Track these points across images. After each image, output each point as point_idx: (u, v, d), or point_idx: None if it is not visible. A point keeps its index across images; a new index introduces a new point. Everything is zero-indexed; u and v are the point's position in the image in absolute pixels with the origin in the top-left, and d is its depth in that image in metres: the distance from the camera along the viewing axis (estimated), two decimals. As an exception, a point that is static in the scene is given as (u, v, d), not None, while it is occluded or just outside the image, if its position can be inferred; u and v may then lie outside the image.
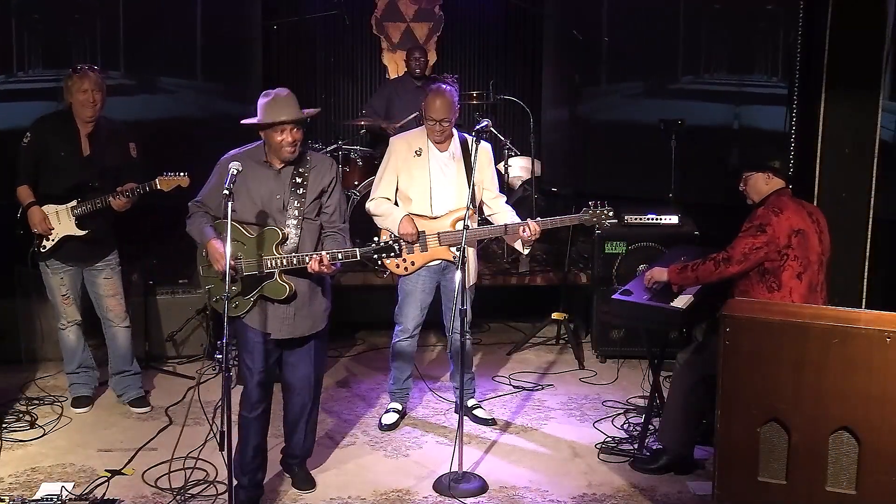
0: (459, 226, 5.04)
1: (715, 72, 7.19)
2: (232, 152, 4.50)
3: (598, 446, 5.21)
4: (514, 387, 6.09)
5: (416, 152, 5.24)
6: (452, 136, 5.29)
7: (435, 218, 5.22)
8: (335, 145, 7.22)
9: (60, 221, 5.34)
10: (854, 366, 3.85)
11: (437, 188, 5.23)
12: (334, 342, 6.69)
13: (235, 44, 7.82)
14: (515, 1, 8.03)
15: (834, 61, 5.76)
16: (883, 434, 3.83)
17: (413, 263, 5.25)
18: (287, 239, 4.39)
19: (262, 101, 4.39)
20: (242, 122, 4.49)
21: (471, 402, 5.57)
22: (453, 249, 5.12)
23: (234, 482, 4.30)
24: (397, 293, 5.42)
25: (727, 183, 5.06)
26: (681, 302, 4.81)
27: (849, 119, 5.79)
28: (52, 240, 5.35)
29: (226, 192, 4.09)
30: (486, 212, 5.38)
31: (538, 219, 5.19)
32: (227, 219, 4.11)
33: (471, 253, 5.24)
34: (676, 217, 6.46)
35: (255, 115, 4.42)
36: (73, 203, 5.33)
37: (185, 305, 6.42)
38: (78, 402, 5.62)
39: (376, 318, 6.98)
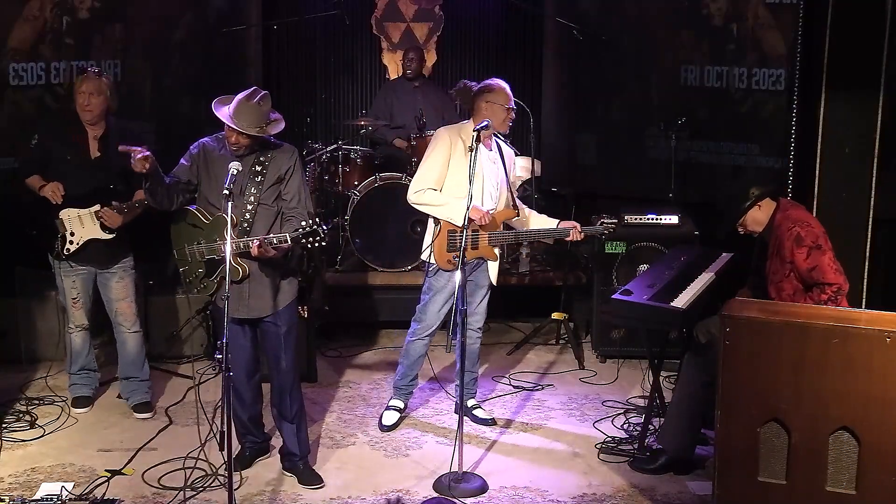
0: (502, 225, 5.19)
1: (714, 71, 7.18)
2: (204, 138, 4.73)
3: (598, 446, 5.21)
4: (514, 387, 6.09)
5: (469, 147, 5.09)
6: (492, 136, 5.28)
7: (466, 229, 5.08)
8: (335, 145, 7.23)
9: (84, 225, 5.30)
10: (854, 366, 3.85)
11: (487, 187, 5.19)
12: (334, 342, 6.70)
13: (235, 43, 7.81)
14: (515, 1, 8.03)
15: (834, 61, 5.76)
16: (883, 434, 3.83)
17: (458, 258, 5.15)
18: (240, 223, 4.57)
19: (240, 94, 4.56)
20: (215, 100, 4.63)
21: (471, 402, 5.57)
22: (496, 250, 5.22)
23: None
24: (422, 292, 5.34)
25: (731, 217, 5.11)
26: (681, 302, 4.81)
27: (849, 119, 5.78)
28: (77, 243, 5.31)
29: (226, 192, 4.25)
30: None
31: (584, 228, 5.26)
32: (228, 214, 4.28)
33: (500, 254, 5.31)
34: (676, 217, 6.46)
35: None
36: (97, 207, 5.29)
37: (185, 305, 6.42)
38: (78, 403, 5.60)
39: (377, 318, 6.98)
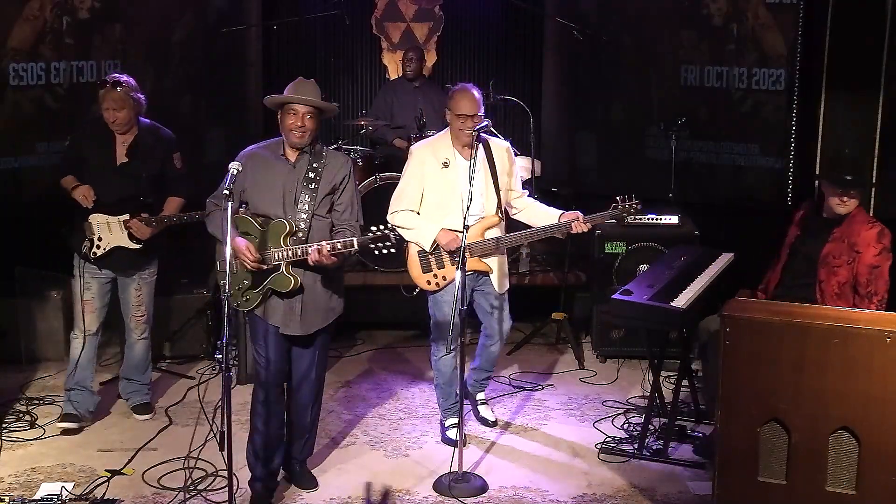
0: (489, 234, 5.04)
1: (714, 71, 7.18)
2: (254, 146, 4.59)
3: (598, 446, 5.21)
4: (514, 387, 6.08)
5: (443, 164, 5.03)
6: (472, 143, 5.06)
7: (466, 229, 4.97)
8: (335, 145, 7.22)
9: (112, 232, 5.22)
10: (854, 366, 3.85)
11: (467, 200, 4.97)
12: (334, 342, 6.67)
13: (235, 43, 7.82)
14: (515, 1, 8.03)
15: (834, 61, 5.76)
16: (883, 434, 3.84)
17: (444, 279, 5.08)
18: (296, 232, 4.42)
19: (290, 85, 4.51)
20: (266, 98, 4.54)
21: (480, 396, 5.55)
22: (486, 260, 5.08)
23: (249, 475, 4.51)
24: (429, 312, 5.22)
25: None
26: (681, 302, 4.81)
27: (849, 119, 5.79)
28: (104, 248, 5.22)
29: (225, 191, 4.13)
30: (513, 213, 5.25)
31: (589, 216, 5.04)
32: (227, 218, 4.12)
33: (502, 259, 5.17)
34: (676, 217, 6.46)
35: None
36: (126, 217, 5.22)
37: (185, 305, 6.42)
38: (65, 419, 5.35)
39: (377, 318, 6.98)
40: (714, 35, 7.11)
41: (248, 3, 8.03)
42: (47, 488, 4.68)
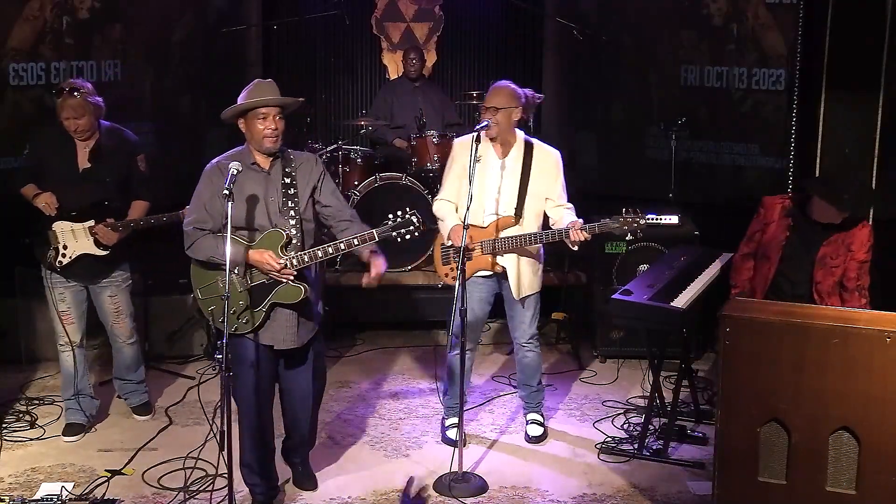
0: (504, 234, 4.97)
1: (714, 71, 7.18)
2: (217, 158, 4.37)
3: (598, 446, 5.21)
4: (513, 387, 6.08)
5: (476, 159, 4.94)
6: (514, 140, 5.05)
7: (485, 227, 5.00)
8: (335, 145, 7.23)
9: (77, 239, 5.10)
10: (854, 366, 3.85)
11: (489, 198, 4.99)
12: (334, 342, 6.70)
13: (235, 43, 7.82)
14: (515, 1, 8.03)
15: (834, 61, 5.76)
16: (883, 434, 3.83)
17: (454, 270, 5.03)
18: (291, 240, 4.29)
19: (243, 91, 4.31)
20: (224, 112, 4.32)
21: (529, 416, 5.39)
22: (501, 261, 5.00)
23: (247, 486, 4.48)
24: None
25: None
26: (681, 302, 4.81)
27: (849, 119, 5.79)
28: (70, 256, 5.11)
29: (226, 192, 4.00)
30: (550, 222, 5.13)
31: (588, 225, 4.89)
32: (227, 220, 4.04)
33: (524, 263, 5.06)
34: (676, 217, 6.43)
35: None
36: (91, 223, 5.10)
37: (185, 305, 6.42)
38: (70, 430, 5.28)
39: (376, 318, 6.97)
40: (714, 35, 7.11)
41: (248, 3, 8.03)
42: (47, 488, 4.68)
